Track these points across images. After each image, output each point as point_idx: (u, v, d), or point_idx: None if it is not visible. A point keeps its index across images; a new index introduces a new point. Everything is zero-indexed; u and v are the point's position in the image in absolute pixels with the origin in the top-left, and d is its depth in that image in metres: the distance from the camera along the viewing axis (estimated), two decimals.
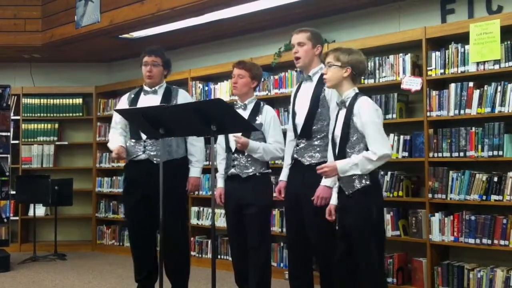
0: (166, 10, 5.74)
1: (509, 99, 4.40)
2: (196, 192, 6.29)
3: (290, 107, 4.12)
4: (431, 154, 4.78)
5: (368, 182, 3.38)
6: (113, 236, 7.71)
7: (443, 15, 5.11)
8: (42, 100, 8.02)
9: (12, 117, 7.31)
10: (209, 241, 6.49)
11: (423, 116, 4.86)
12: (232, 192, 4.25)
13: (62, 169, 8.05)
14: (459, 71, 4.68)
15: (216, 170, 4.36)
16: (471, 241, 4.54)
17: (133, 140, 4.48)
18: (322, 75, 3.90)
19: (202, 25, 6.20)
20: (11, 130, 7.09)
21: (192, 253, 6.50)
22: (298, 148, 3.95)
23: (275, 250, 5.75)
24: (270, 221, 4.42)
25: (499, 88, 4.46)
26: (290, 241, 4.11)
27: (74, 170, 8.03)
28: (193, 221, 6.61)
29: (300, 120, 3.94)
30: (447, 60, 4.74)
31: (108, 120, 7.91)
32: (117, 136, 4.56)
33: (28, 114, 7.97)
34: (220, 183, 4.38)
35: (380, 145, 3.34)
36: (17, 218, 7.73)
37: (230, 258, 4.62)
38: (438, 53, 4.79)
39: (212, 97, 6.50)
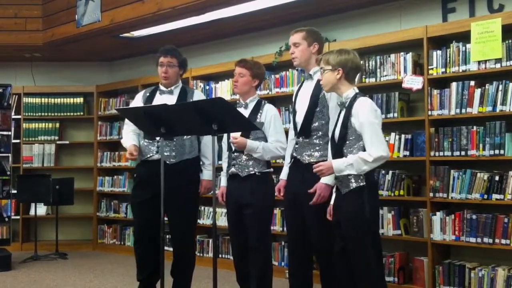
0: (167, 9, 5.74)
1: (511, 98, 4.40)
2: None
3: (292, 105, 4.12)
4: (432, 153, 4.78)
5: (363, 183, 3.38)
6: (114, 236, 7.71)
7: (444, 14, 5.11)
8: (43, 99, 8.02)
9: (13, 116, 7.31)
10: (210, 240, 6.49)
11: (424, 115, 4.86)
12: (232, 191, 4.25)
13: (63, 168, 8.05)
14: (460, 70, 4.67)
15: (221, 169, 4.37)
16: (472, 240, 4.53)
17: (147, 140, 4.48)
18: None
19: (202, 24, 6.19)
20: (12, 129, 7.10)
21: None
22: (297, 146, 3.95)
23: (276, 249, 5.75)
24: (270, 220, 4.41)
25: (500, 87, 4.45)
26: (290, 240, 4.11)
27: (75, 169, 8.04)
28: None
29: (299, 119, 3.94)
30: (448, 59, 4.74)
31: (109, 119, 7.93)
32: (130, 134, 4.55)
33: (29, 113, 7.98)
34: (224, 182, 4.38)
35: (376, 147, 3.32)
36: (18, 217, 7.74)
37: (231, 257, 4.62)
38: (439, 52, 4.78)
39: (213, 96, 6.49)
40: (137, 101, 4.65)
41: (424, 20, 5.13)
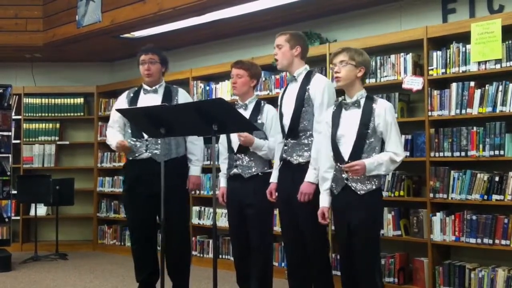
0: (168, 10, 5.74)
1: (511, 98, 4.40)
2: (197, 192, 6.29)
3: (278, 109, 4.13)
4: (432, 154, 4.78)
5: (377, 184, 3.44)
6: (114, 236, 7.71)
7: (444, 15, 5.11)
8: (43, 99, 8.02)
9: (14, 117, 7.31)
10: (211, 241, 6.49)
11: (424, 116, 4.86)
12: (234, 192, 4.26)
13: (63, 168, 8.05)
14: (460, 71, 4.67)
15: (218, 170, 4.37)
16: (473, 240, 4.53)
17: (134, 139, 4.47)
18: (306, 75, 3.95)
19: (203, 24, 6.20)
20: (13, 129, 7.10)
21: (194, 252, 6.50)
22: (286, 148, 3.98)
23: (277, 250, 5.75)
24: (272, 221, 4.42)
25: (500, 88, 4.45)
26: (286, 241, 4.12)
27: (75, 170, 8.04)
28: (195, 220, 6.61)
29: (287, 121, 3.97)
30: (448, 59, 4.74)
31: (109, 120, 7.91)
32: (116, 133, 4.56)
33: (30, 114, 7.98)
34: (223, 183, 4.40)
35: (401, 147, 3.45)
36: (18, 217, 7.74)
37: (232, 258, 4.63)
38: (439, 53, 4.78)
39: (214, 97, 6.50)
40: (121, 102, 4.65)
41: (424, 20, 5.13)
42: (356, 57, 3.48)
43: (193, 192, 4.88)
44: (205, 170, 6.24)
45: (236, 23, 6.19)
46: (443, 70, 4.77)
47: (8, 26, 7.14)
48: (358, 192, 3.44)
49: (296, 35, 4.04)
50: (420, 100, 5.03)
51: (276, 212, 5.71)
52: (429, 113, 4.81)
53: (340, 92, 3.78)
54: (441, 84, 4.84)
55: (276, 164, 4.12)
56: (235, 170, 4.25)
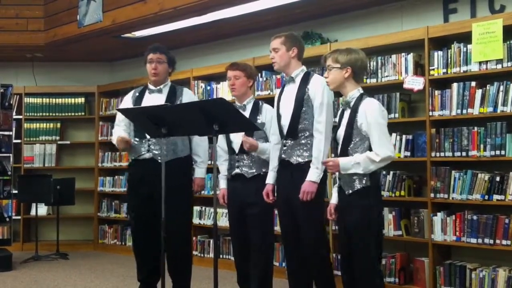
0: (169, 10, 5.74)
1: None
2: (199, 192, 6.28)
3: (275, 110, 4.13)
4: (433, 154, 4.78)
5: (368, 183, 3.39)
6: (115, 236, 7.71)
7: (445, 15, 5.11)
8: (44, 99, 8.02)
9: (14, 117, 7.32)
10: (211, 241, 6.49)
11: (425, 116, 4.86)
12: (235, 192, 4.27)
13: (64, 168, 8.06)
14: (461, 71, 4.67)
15: (218, 171, 4.37)
16: (473, 241, 4.53)
17: (137, 139, 4.48)
18: (304, 76, 3.95)
19: (204, 24, 6.20)
20: (13, 129, 7.10)
21: (194, 252, 6.50)
22: (285, 148, 3.98)
23: (277, 250, 5.75)
24: (273, 220, 4.42)
25: (501, 88, 4.45)
26: (286, 241, 4.12)
27: (76, 170, 8.04)
28: (195, 220, 6.60)
29: (285, 121, 3.97)
30: (449, 59, 4.74)
31: (110, 119, 7.92)
32: (120, 132, 4.57)
33: (30, 114, 7.98)
34: (223, 184, 4.41)
35: (384, 147, 3.35)
36: (19, 217, 7.75)
37: (232, 258, 4.62)
38: (440, 53, 4.78)
39: (214, 97, 6.50)
40: (127, 102, 4.66)
41: (425, 20, 5.13)
42: (340, 59, 3.47)
43: (197, 194, 4.88)
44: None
45: (237, 23, 6.20)
46: (444, 70, 4.77)
47: (9, 26, 7.14)
48: (346, 192, 3.45)
49: (291, 37, 4.04)
50: (421, 100, 5.03)
51: (277, 212, 5.72)
52: (430, 113, 4.81)
53: (338, 92, 3.77)
54: (442, 84, 4.84)
55: (273, 165, 4.11)
56: (237, 170, 4.26)
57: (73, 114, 8.08)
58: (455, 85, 4.69)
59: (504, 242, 4.38)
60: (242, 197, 4.22)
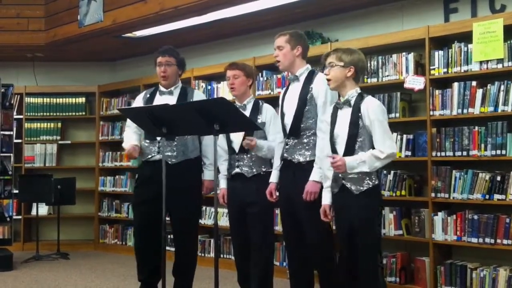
0: (169, 9, 5.74)
1: None
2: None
3: (279, 109, 4.13)
4: (434, 153, 4.78)
5: (376, 182, 3.43)
6: (116, 235, 7.72)
7: (446, 14, 5.11)
8: (45, 99, 8.03)
9: (15, 116, 7.33)
10: (212, 240, 6.49)
11: (426, 115, 4.86)
12: (236, 191, 4.27)
13: (65, 168, 8.06)
14: (462, 70, 4.67)
15: (218, 171, 4.37)
16: (474, 240, 4.53)
17: (148, 141, 4.48)
18: (308, 74, 3.94)
19: (204, 24, 6.20)
20: (14, 129, 7.11)
21: None
22: (287, 147, 3.97)
23: (278, 249, 5.75)
24: (273, 220, 4.42)
25: (502, 87, 4.45)
26: (288, 241, 4.12)
27: (76, 169, 8.04)
28: None
29: (288, 120, 3.96)
30: (450, 59, 4.73)
31: (111, 119, 7.94)
32: (131, 135, 4.56)
33: (31, 113, 7.99)
34: (223, 184, 4.41)
35: (388, 144, 3.38)
36: (20, 217, 7.75)
37: (233, 257, 4.62)
38: (441, 52, 4.78)
39: (215, 96, 6.50)
40: (138, 103, 4.67)
41: (426, 20, 5.13)
42: (344, 57, 3.47)
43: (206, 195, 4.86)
44: None
45: (237, 23, 6.20)
46: (445, 70, 4.77)
47: (10, 26, 7.14)
48: (354, 192, 3.44)
49: (296, 35, 4.02)
50: (422, 99, 5.03)
51: (278, 211, 5.72)
52: (431, 113, 4.80)
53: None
54: (443, 83, 4.84)
55: (276, 164, 4.11)
56: (237, 170, 4.25)
57: (73, 114, 8.09)
58: (455, 84, 4.69)
59: (505, 241, 4.38)
60: (242, 196, 4.21)
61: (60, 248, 7.24)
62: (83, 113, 8.10)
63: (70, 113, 8.08)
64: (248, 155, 4.21)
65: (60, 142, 8.06)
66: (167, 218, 4.26)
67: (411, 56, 4.99)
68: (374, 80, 5.19)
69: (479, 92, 4.56)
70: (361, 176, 3.41)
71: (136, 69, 7.89)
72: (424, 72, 4.91)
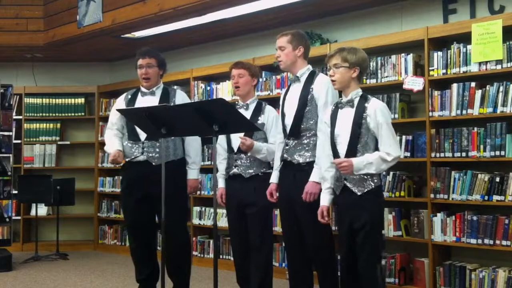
0: (168, 10, 5.74)
1: (511, 99, 4.39)
2: (198, 192, 6.29)
3: (280, 109, 4.13)
4: (433, 154, 4.78)
5: (379, 183, 3.44)
6: (115, 236, 7.71)
7: (445, 15, 5.11)
8: (44, 99, 8.03)
9: (14, 117, 7.33)
10: (211, 241, 6.49)
11: (425, 116, 4.86)
12: (234, 192, 4.26)
13: (64, 168, 8.06)
14: (461, 71, 4.67)
15: (216, 170, 4.37)
16: (473, 241, 4.53)
17: (131, 141, 4.48)
18: (309, 75, 3.94)
19: (204, 25, 6.20)
20: (13, 129, 7.10)
21: (194, 253, 6.50)
22: (287, 148, 3.97)
23: (277, 250, 5.75)
24: (272, 220, 4.42)
25: (501, 88, 4.45)
26: (287, 241, 4.12)
27: (76, 170, 8.04)
28: (195, 221, 6.61)
29: (289, 121, 3.96)
30: (449, 60, 4.74)
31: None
32: (113, 139, 4.55)
33: (30, 114, 7.99)
34: (221, 183, 4.40)
35: (395, 147, 3.41)
36: (19, 217, 7.75)
37: (232, 258, 4.62)
38: (440, 53, 4.78)
39: (214, 97, 6.49)
40: (120, 104, 4.65)
41: (425, 21, 5.13)
42: (349, 58, 3.46)
43: (191, 195, 4.87)
44: (205, 170, 6.25)
45: (236, 23, 6.20)
46: (444, 71, 4.77)
47: (9, 26, 7.14)
48: (357, 193, 3.44)
49: (298, 35, 4.02)
50: (421, 100, 5.03)
51: (277, 212, 5.72)
52: (430, 114, 4.81)
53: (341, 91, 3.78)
54: (442, 84, 4.84)
55: (276, 164, 4.11)
56: (235, 170, 4.25)
57: (73, 114, 8.09)
58: (455, 85, 4.69)
59: (504, 242, 4.38)
60: (241, 197, 4.21)
61: (59, 248, 7.23)
62: (83, 113, 8.10)
63: (70, 114, 8.08)
64: (247, 155, 4.21)
65: (59, 142, 8.06)
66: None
67: (410, 57, 4.99)
68: (373, 81, 5.20)
69: (478, 93, 4.56)
70: (363, 177, 3.40)
71: (135, 70, 7.87)
72: (423, 73, 4.91)
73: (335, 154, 3.52)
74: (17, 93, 7.69)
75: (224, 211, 5.89)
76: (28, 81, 8.17)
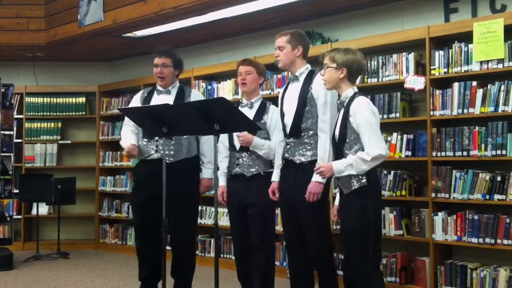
0: (169, 9, 5.74)
1: None
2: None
3: (278, 108, 4.12)
4: (434, 153, 4.78)
5: (365, 183, 3.38)
6: (116, 235, 7.72)
7: (446, 14, 5.10)
8: (45, 99, 8.03)
9: (15, 116, 7.33)
10: (212, 240, 6.49)
11: (426, 115, 4.85)
12: (236, 191, 4.26)
13: (65, 168, 8.07)
14: (462, 70, 4.67)
15: (218, 169, 4.37)
16: (474, 240, 4.53)
17: (145, 140, 4.48)
18: (308, 74, 3.95)
19: (204, 24, 6.20)
20: (14, 129, 7.11)
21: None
22: (288, 147, 3.98)
23: (278, 249, 5.75)
24: (273, 220, 4.42)
25: (502, 87, 4.45)
26: (288, 241, 4.12)
27: (77, 169, 8.05)
28: None
29: (288, 120, 3.96)
30: (450, 59, 4.73)
31: (111, 119, 7.94)
32: (129, 134, 4.56)
33: (31, 113, 7.99)
34: (222, 181, 4.39)
35: (374, 146, 3.32)
36: (20, 216, 7.74)
37: (233, 257, 4.62)
38: (441, 52, 4.78)
39: (215, 96, 6.49)
40: (135, 102, 4.67)
41: (426, 20, 5.13)
42: (337, 59, 3.45)
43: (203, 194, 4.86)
44: None
45: (237, 23, 6.19)
46: (445, 70, 4.76)
47: (10, 26, 7.14)
48: (344, 193, 3.46)
49: (297, 35, 4.02)
50: (422, 99, 5.03)
51: (278, 211, 5.72)
52: (431, 113, 4.80)
53: None
54: (443, 83, 4.84)
55: (277, 162, 4.11)
56: (237, 169, 4.25)
57: (74, 113, 8.09)
58: (456, 84, 4.69)
59: (505, 241, 4.38)
60: (242, 197, 4.21)
61: (60, 247, 7.24)
62: (83, 112, 8.10)
63: (70, 113, 8.08)
64: (249, 154, 4.20)
65: (60, 141, 8.06)
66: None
67: (411, 56, 4.98)
68: (375, 80, 5.19)
69: (480, 92, 4.56)
70: (348, 178, 3.40)
71: (136, 69, 7.89)
72: (424, 72, 4.91)
73: (334, 155, 3.57)
74: (18, 92, 7.69)
75: (225, 210, 5.90)
76: (29, 81, 8.17)
